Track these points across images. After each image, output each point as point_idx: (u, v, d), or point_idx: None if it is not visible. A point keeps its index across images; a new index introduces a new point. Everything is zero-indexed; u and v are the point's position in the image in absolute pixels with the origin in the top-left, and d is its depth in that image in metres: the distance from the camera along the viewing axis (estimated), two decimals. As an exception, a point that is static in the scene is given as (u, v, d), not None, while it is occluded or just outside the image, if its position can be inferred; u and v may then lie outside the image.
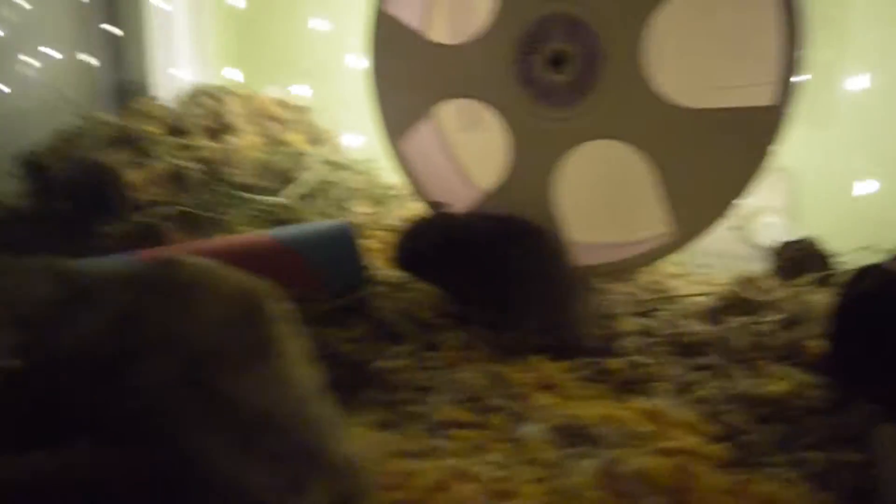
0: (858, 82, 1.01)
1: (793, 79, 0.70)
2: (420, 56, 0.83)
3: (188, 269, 0.38)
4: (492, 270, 0.71)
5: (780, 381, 0.63)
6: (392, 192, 1.06)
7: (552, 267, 0.73)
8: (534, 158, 0.79)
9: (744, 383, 0.64)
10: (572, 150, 0.78)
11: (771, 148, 0.72)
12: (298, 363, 0.36)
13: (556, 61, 0.77)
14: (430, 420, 0.55)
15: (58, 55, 1.29)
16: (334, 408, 0.37)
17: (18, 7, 1.27)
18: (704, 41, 0.80)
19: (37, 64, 1.27)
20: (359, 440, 0.51)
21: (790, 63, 0.70)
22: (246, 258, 0.68)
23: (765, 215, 1.06)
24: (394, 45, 0.83)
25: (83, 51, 1.32)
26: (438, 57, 0.82)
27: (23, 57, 1.28)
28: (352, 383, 0.62)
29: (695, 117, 0.73)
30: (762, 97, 0.72)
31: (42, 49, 1.30)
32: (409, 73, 0.83)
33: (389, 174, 1.14)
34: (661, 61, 0.79)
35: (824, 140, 1.08)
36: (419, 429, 0.54)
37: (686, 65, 0.80)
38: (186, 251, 0.67)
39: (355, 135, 1.18)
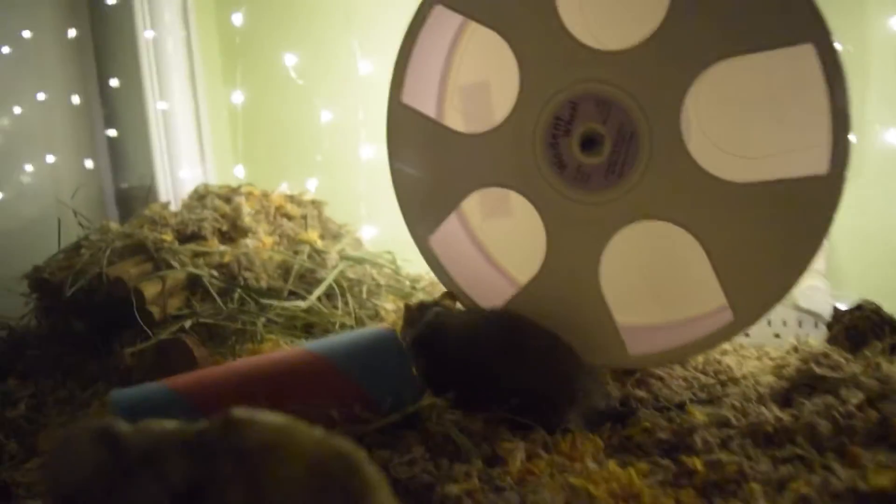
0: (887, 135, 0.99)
1: (845, 147, 0.67)
2: (442, 147, 0.79)
3: (257, 429, 0.33)
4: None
5: (883, 473, 0.57)
6: (419, 285, 1.02)
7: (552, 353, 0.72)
8: (573, 245, 0.75)
9: (844, 476, 0.58)
10: (613, 234, 0.74)
11: (832, 219, 0.68)
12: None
13: (589, 143, 0.73)
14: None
15: (59, 161, 1.27)
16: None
17: (15, 115, 1.25)
18: (746, 108, 0.76)
19: (35, 170, 1.24)
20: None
21: (841, 122, 0.66)
22: (288, 377, 0.62)
23: (808, 278, 1.01)
24: (413, 138, 0.80)
25: (85, 156, 1.30)
26: (461, 146, 0.78)
27: (22, 165, 1.25)
28: (418, 514, 0.56)
29: (744, 192, 0.69)
30: (814, 163, 0.68)
31: (43, 156, 1.27)
32: (433, 166, 0.80)
33: (412, 265, 1.10)
34: (701, 134, 0.76)
35: (860, 194, 1.05)
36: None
37: (728, 135, 0.77)
38: (223, 375, 0.62)
39: (373, 226, 1.15)
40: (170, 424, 0.36)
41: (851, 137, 0.68)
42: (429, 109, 0.85)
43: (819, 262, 1.05)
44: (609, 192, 0.72)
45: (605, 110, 0.71)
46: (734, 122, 0.77)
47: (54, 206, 1.08)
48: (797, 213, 0.68)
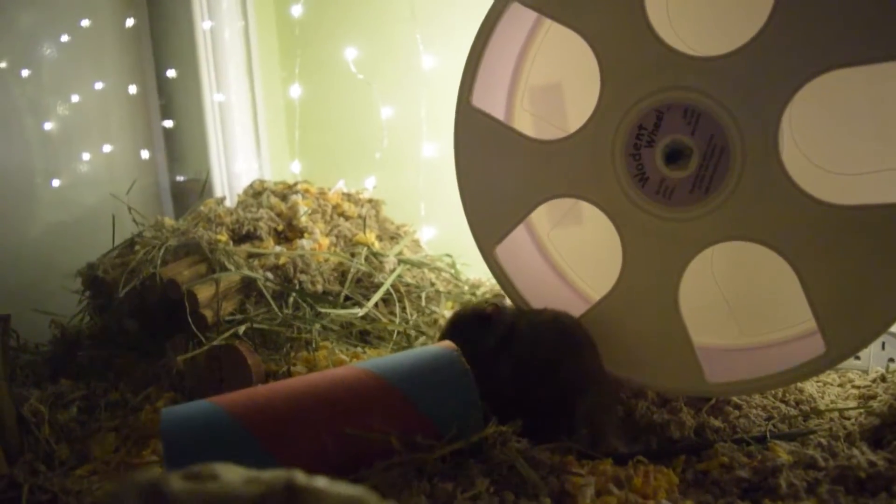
0: None
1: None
2: (512, 153, 0.75)
3: (319, 499, 0.30)
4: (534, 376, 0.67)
5: None
6: (479, 291, 0.98)
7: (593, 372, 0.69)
8: (652, 262, 0.70)
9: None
10: (697, 253, 0.69)
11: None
12: None
13: (675, 155, 0.68)
14: None
15: (115, 151, 1.26)
16: None
17: (73, 103, 1.24)
18: (848, 123, 0.70)
19: (91, 159, 1.23)
20: None
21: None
22: (347, 400, 0.59)
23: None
24: (482, 142, 0.75)
25: (141, 146, 1.29)
26: (534, 153, 0.74)
27: (79, 154, 1.25)
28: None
29: (845, 215, 0.63)
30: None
31: (99, 145, 1.26)
32: (502, 173, 0.75)
33: (472, 270, 1.06)
34: (797, 150, 0.70)
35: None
36: None
37: (828, 152, 0.71)
38: (280, 396, 0.59)
39: (431, 227, 1.11)
40: (226, 479, 0.33)
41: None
42: (497, 111, 0.81)
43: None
44: (694, 209, 0.67)
45: (693, 121, 0.66)
46: (835, 137, 0.71)
47: (108, 198, 1.07)
48: (899, 240, 0.62)
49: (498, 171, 0.76)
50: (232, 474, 0.33)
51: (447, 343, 0.67)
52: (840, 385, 0.87)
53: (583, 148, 0.71)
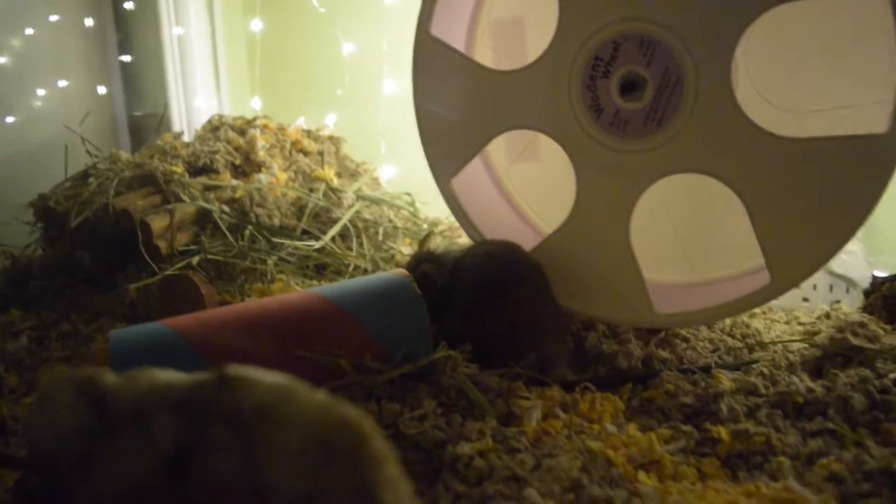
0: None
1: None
2: (471, 85, 0.74)
3: (253, 390, 0.30)
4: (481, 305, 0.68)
5: (923, 454, 0.54)
6: (437, 229, 0.97)
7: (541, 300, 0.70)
8: (604, 195, 0.70)
9: (877, 454, 0.54)
10: (649, 186, 0.69)
11: (887, 183, 0.62)
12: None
13: (630, 87, 0.68)
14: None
15: (71, 86, 1.22)
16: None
17: (27, 36, 1.20)
18: (802, 58, 0.70)
19: (47, 94, 1.20)
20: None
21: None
22: (297, 322, 0.59)
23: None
24: (440, 72, 0.74)
25: (98, 81, 1.25)
26: (492, 84, 0.73)
27: (34, 89, 1.21)
28: (425, 470, 0.53)
29: (794, 148, 0.64)
30: (872, 121, 0.63)
31: (54, 80, 1.23)
32: (460, 104, 0.75)
33: (431, 208, 1.06)
34: (750, 83, 0.70)
35: None
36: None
37: (781, 86, 0.71)
38: (229, 316, 0.58)
39: (392, 165, 1.10)
40: (161, 377, 0.33)
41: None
42: (458, 44, 0.79)
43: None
44: (647, 141, 0.68)
45: (649, 52, 0.66)
46: (788, 72, 0.71)
47: (63, 132, 1.04)
48: (848, 175, 0.63)
49: (455, 101, 0.75)
50: (168, 373, 0.33)
51: (400, 270, 0.66)
52: (787, 322, 0.89)
53: (539, 79, 0.70)
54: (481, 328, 0.67)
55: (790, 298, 0.99)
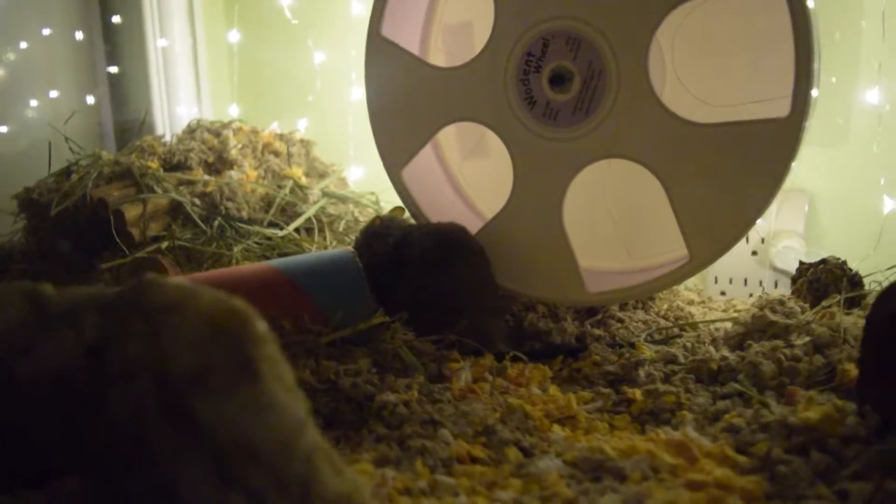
0: (872, 97, 0.99)
1: (808, 90, 0.67)
2: (416, 80, 0.80)
3: (163, 290, 0.35)
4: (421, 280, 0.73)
5: (814, 408, 0.58)
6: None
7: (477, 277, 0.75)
8: (538, 181, 0.76)
9: (776, 411, 0.59)
10: (578, 172, 0.75)
11: (789, 163, 0.68)
12: (285, 388, 0.32)
13: (559, 80, 0.74)
14: (438, 455, 0.51)
15: (61, 96, 1.29)
16: (323, 438, 0.33)
17: (21, 50, 1.27)
18: (722, 54, 0.77)
19: (37, 105, 1.27)
20: (359, 477, 0.47)
21: (804, 74, 0.66)
22: (241, 286, 0.64)
23: (784, 239, 1.02)
24: (389, 69, 0.81)
25: (86, 91, 1.32)
26: (435, 80, 0.79)
27: (27, 99, 1.28)
28: (354, 419, 0.58)
29: (707, 133, 0.70)
30: (777, 110, 0.69)
31: (46, 91, 1.30)
32: (406, 99, 0.81)
33: (394, 206, 1.11)
34: (668, 76, 0.77)
35: (841, 158, 1.05)
36: (426, 465, 0.50)
37: (702, 81, 0.77)
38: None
39: (360, 167, 1.16)
40: (93, 289, 0.39)
41: (815, 90, 0.68)
42: (412, 47, 0.86)
43: (798, 224, 1.05)
44: (576, 130, 0.73)
45: (575, 47, 0.72)
46: (709, 67, 0.77)
47: (51, 133, 1.11)
48: (756, 156, 0.69)
49: (403, 96, 0.81)
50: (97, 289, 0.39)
51: (347, 248, 0.72)
52: (724, 310, 0.95)
53: (478, 74, 0.77)
54: (423, 299, 0.72)
55: (738, 295, 1.05)
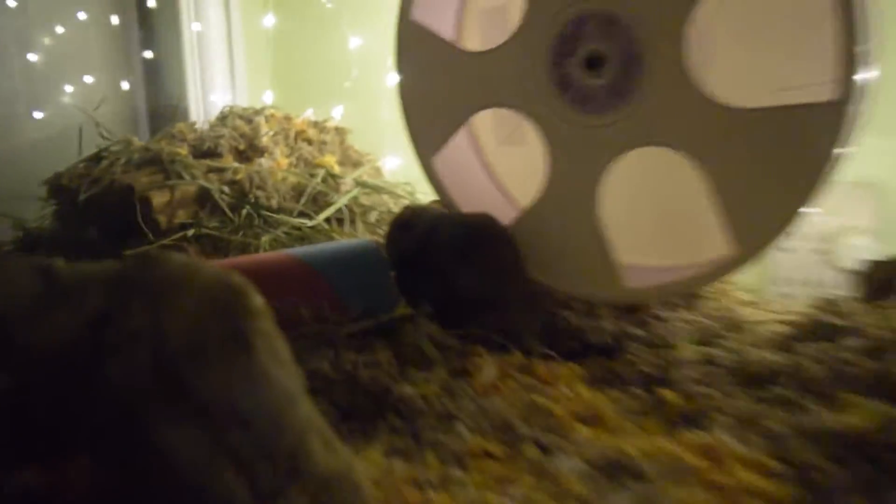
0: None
1: (855, 74, 0.66)
2: (448, 65, 0.82)
3: (165, 264, 0.38)
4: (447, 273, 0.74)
5: (861, 415, 0.58)
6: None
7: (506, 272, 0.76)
8: (573, 169, 0.77)
9: (819, 417, 0.59)
10: (615, 159, 0.76)
11: (837, 150, 0.68)
12: (278, 362, 0.34)
13: (593, 63, 0.75)
14: (451, 449, 0.53)
15: (96, 81, 1.35)
16: (318, 414, 0.35)
17: (57, 35, 1.34)
18: (756, 37, 0.77)
19: (73, 91, 1.33)
20: (371, 466, 0.50)
21: (849, 55, 0.66)
22: (262, 272, 0.67)
23: (850, 236, 1.00)
24: (421, 54, 0.83)
25: (121, 77, 1.38)
26: (467, 65, 0.81)
27: (62, 85, 1.34)
28: (371, 410, 0.61)
29: (748, 118, 0.70)
30: (821, 95, 0.68)
31: (80, 76, 1.36)
32: (438, 84, 0.83)
33: (430, 196, 1.13)
34: (707, 59, 0.77)
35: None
36: (438, 458, 0.52)
37: (736, 63, 0.77)
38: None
39: (396, 157, 1.19)
40: (103, 265, 0.42)
41: (866, 74, 0.67)
42: (446, 32, 0.88)
43: (865, 220, 1.04)
44: (610, 116, 0.74)
45: (609, 30, 0.73)
46: (750, 49, 0.77)
47: (86, 120, 1.16)
48: (800, 143, 0.69)
49: (435, 82, 0.83)
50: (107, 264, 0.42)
51: (372, 238, 0.75)
52: (780, 312, 0.94)
53: (510, 59, 0.78)
54: (449, 290, 0.74)
55: (797, 295, 1.03)
